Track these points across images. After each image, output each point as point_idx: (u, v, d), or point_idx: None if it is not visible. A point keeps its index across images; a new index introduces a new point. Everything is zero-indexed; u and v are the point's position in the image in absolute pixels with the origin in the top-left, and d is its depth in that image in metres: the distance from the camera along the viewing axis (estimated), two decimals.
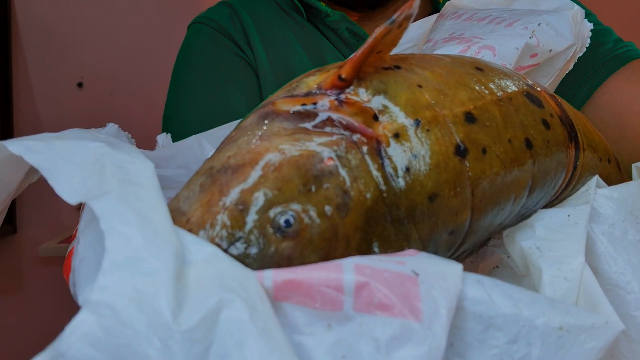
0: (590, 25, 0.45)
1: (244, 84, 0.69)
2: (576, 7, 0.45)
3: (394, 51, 0.32)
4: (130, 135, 0.61)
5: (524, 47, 0.41)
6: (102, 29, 1.68)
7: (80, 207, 0.29)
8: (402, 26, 0.28)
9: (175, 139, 0.67)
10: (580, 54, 0.45)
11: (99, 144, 0.25)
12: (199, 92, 0.69)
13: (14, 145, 0.25)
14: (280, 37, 0.70)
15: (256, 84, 0.69)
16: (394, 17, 0.27)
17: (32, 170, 0.34)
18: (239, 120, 0.56)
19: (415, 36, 0.54)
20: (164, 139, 0.62)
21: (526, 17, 0.43)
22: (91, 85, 1.68)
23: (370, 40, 0.27)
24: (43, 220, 1.61)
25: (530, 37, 0.41)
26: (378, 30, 0.27)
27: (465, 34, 0.43)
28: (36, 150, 0.24)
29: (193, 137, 0.56)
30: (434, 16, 0.53)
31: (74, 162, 0.24)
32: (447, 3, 0.51)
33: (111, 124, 0.59)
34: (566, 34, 0.43)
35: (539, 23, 0.42)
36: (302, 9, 0.70)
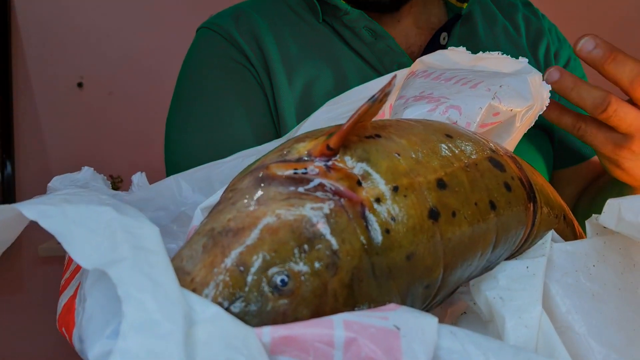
0: (549, 87, 0.50)
1: (248, 104, 0.68)
2: (534, 70, 0.49)
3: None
4: (105, 177, 0.62)
5: (487, 107, 0.45)
6: (102, 29, 1.68)
7: None
8: (382, 101, 0.31)
9: (176, 164, 0.67)
10: (541, 112, 0.49)
11: (107, 209, 0.28)
12: (202, 117, 0.69)
13: (28, 210, 0.27)
14: (292, 43, 0.70)
15: (262, 99, 0.68)
16: (375, 95, 0.30)
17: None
18: (218, 162, 0.58)
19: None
20: (138, 178, 0.63)
21: (489, 80, 0.47)
22: (91, 85, 1.68)
23: (355, 115, 0.30)
24: None
25: (492, 98, 0.46)
26: (361, 107, 0.30)
27: (434, 93, 0.47)
28: (50, 215, 0.26)
29: (171, 178, 0.57)
30: (405, 70, 0.57)
31: (86, 226, 0.26)
32: (416, 61, 0.55)
33: (86, 167, 0.60)
34: (526, 95, 0.47)
35: (500, 85, 0.47)
36: (319, 6, 0.70)
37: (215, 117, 0.67)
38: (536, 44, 0.75)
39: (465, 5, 0.72)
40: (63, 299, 0.37)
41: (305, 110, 0.65)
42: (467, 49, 0.71)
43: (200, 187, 0.58)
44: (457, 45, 0.70)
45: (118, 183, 1.61)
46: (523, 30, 0.76)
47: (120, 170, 1.63)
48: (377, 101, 0.30)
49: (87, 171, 0.59)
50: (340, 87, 0.66)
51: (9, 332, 1.61)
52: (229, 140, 0.66)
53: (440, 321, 0.38)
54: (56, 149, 1.67)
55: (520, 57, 0.52)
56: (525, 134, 0.50)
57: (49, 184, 0.55)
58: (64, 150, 1.66)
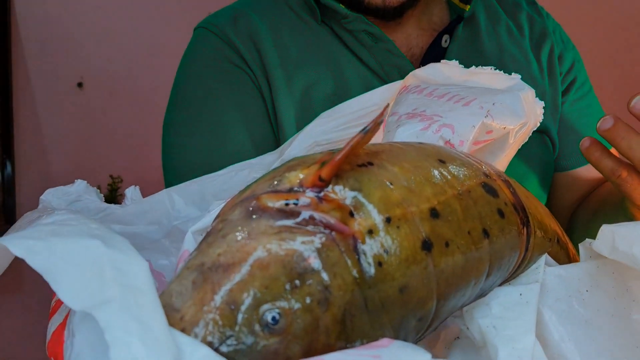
0: (542, 104, 0.49)
1: (246, 108, 0.67)
2: (526, 87, 0.49)
3: None
4: (98, 190, 0.62)
5: (480, 125, 0.45)
6: (102, 29, 1.68)
7: None
8: (374, 131, 0.31)
9: (174, 168, 0.66)
10: (535, 129, 0.49)
11: (96, 242, 0.27)
12: (199, 121, 0.67)
13: (15, 247, 0.26)
14: (291, 45, 0.68)
15: (260, 102, 0.67)
16: (368, 126, 0.30)
17: None
18: (210, 175, 0.58)
19: (379, 100, 0.57)
20: (132, 192, 0.62)
21: (482, 97, 0.47)
22: (91, 85, 1.68)
23: (347, 146, 0.30)
24: None
25: (485, 116, 0.46)
26: (353, 139, 0.30)
27: (426, 111, 0.47)
28: (37, 252, 0.26)
29: (164, 192, 0.57)
30: (398, 83, 0.56)
31: (74, 263, 0.26)
32: (409, 75, 0.55)
33: (79, 180, 0.59)
34: (519, 112, 0.47)
35: (493, 103, 0.47)
36: (318, 9, 0.68)
37: (212, 121, 0.66)
38: (540, 46, 0.74)
39: (468, 7, 0.70)
40: (52, 325, 0.37)
41: (305, 114, 0.64)
42: (469, 52, 0.70)
43: (194, 201, 0.58)
44: (458, 48, 0.70)
45: (118, 183, 1.60)
46: (527, 30, 0.75)
47: (120, 170, 1.63)
48: (369, 131, 0.30)
49: (80, 184, 0.59)
50: (340, 91, 0.65)
51: (9, 332, 1.61)
52: (226, 145, 0.65)
53: (434, 346, 0.38)
54: (56, 149, 1.66)
55: (513, 74, 0.52)
56: None
57: (42, 197, 0.55)
58: (64, 150, 1.66)
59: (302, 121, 0.63)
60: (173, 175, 0.68)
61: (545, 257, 0.38)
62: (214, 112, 0.67)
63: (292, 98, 0.66)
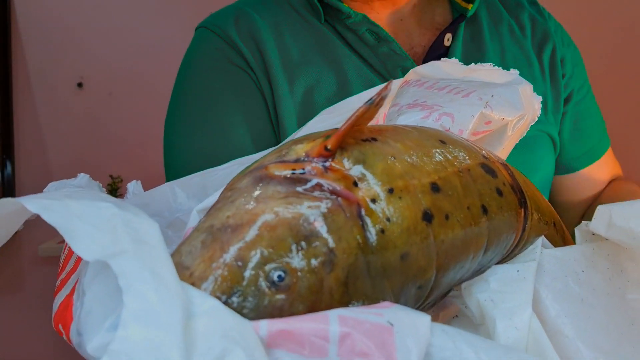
0: (540, 98, 0.51)
1: (247, 109, 0.67)
2: (524, 81, 0.50)
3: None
4: (100, 184, 0.62)
5: (479, 115, 0.47)
6: (102, 29, 1.69)
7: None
8: (378, 104, 0.32)
9: (175, 167, 0.67)
10: (533, 123, 0.50)
11: (108, 205, 0.28)
12: (200, 122, 0.67)
13: (32, 205, 0.27)
14: (293, 46, 0.68)
15: (261, 103, 0.67)
16: (373, 98, 0.31)
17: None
18: (213, 169, 0.58)
19: None
20: (134, 186, 0.63)
21: (481, 89, 0.49)
22: (91, 85, 1.69)
23: (352, 117, 0.31)
24: (43, 220, 1.61)
25: (484, 107, 0.47)
26: (359, 110, 0.31)
27: (427, 101, 0.48)
28: (53, 210, 0.27)
29: (166, 185, 0.57)
30: (399, 80, 0.58)
31: (89, 221, 0.27)
32: (410, 71, 0.56)
33: (82, 174, 0.60)
34: (517, 105, 0.48)
35: (492, 95, 0.48)
36: (321, 9, 0.68)
37: (214, 122, 0.67)
38: (542, 47, 0.75)
39: (470, 6, 0.70)
40: (59, 298, 0.37)
41: (306, 115, 0.64)
42: (471, 51, 0.71)
43: (195, 194, 0.58)
44: (461, 47, 0.71)
45: (118, 183, 1.60)
46: (529, 31, 0.75)
47: (120, 170, 1.63)
48: (374, 104, 0.31)
49: (82, 178, 0.59)
50: (342, 92, 0.65)
51: (8, 332, 1.61)
52: (227, 146, 0.65)
53: None
54: (56, 149, 1.67)
55: (511, 69, 0.53)
56: (523, 140, 0.51)
57: (45, 190, 0.55)
58: (64, 150, 1.67)
59: (304, 122, 0.63)
60: (174, 174, 0.68)
61: (542, 239, 0.39)
62: (215, 112, 0.68)
63: (293, 99, 0.66)
